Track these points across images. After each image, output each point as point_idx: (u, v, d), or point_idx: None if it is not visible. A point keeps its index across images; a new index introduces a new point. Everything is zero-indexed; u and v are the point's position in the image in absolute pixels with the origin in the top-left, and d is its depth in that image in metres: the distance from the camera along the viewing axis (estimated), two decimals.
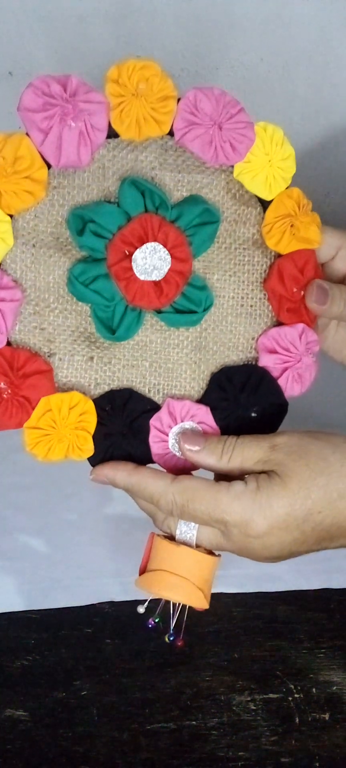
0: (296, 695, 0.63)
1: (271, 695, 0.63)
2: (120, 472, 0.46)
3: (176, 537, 0.46)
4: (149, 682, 0.63)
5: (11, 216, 0.44)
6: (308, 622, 0.68)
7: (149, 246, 0.44)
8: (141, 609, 0.47)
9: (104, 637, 0.67)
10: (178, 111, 0.44)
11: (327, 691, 0.63)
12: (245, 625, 0.67)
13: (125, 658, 0.65)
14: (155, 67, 0.43)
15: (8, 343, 0.45)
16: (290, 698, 0.63)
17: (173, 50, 0.62)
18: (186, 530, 0.46)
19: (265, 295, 0.48)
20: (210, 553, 0.47)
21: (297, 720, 0.61)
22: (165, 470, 0.48)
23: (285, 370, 0.48)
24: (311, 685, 0.63)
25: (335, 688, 0.63)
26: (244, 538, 0.43)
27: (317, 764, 0.59)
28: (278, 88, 0.63)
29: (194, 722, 0.61)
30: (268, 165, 0.45)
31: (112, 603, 0.69)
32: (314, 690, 0.63)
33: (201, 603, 0.46)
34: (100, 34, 0.60)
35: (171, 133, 0.44)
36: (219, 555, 0.47)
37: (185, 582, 0.45)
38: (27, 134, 0.43)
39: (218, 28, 0.60)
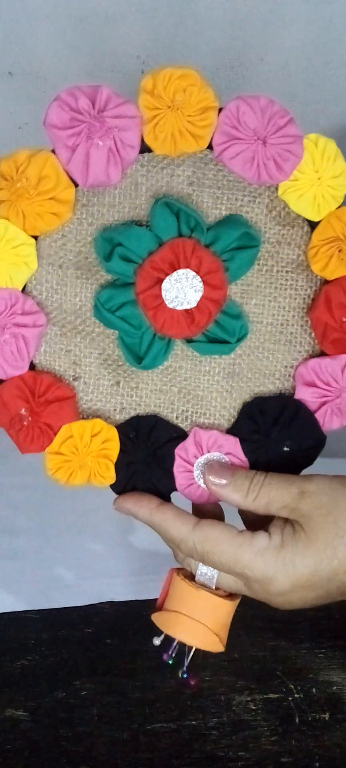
0: (296, 695, 0.63)
1: (271, 695, 0.63)
2: (143, 508, 0.45)
3: (196, 578, 0.45)
4: (149, 682, 0.63)
5: (36, 237, 0.42)
6: (308, 622, 0.68)
7: (181, 273, 0.41)
8: (157, 641, 0.46)
9: (104, 637, 0.67)
10: (218, 124, 0.40)
11: (327, 691, 0.63)
12: (245, 625, 0.67)
13: (125, 658, 0.65)
14: (194, 76, 0.39)
15: (33, 366, 0.44)
16: (290, 698, 0.63)
17: (172, 50, 0.62)
18: (206, 572, 0.45)
19: (307, 322, 0.44)
20: (230, 595, 0.46)
21: (297, 720, 0.61)
22: (189, 500, 0.46)
23: (324, 404, 0.44)
24: (311, 685, 0.63)
25: (335, 688, 0.63)
26: (265, 594, 0.42)
27: (317, 764, 0.59)
28: (278, 88, 0.63)
29: (194, 722, 0.61)
30: (317, 183, 0.41)
31: (112, 603, 0.69)
32: (314, 690, 0.63)
33: (216, 647, 0.45)
34: (100, 34, 0.60)
35: (211, 146, 0.41)
36: (239, 597, 0.46)
37: (202, 627, 0.45)
38: (53, 151, 0.40)
39: (218, 29, 0.60)
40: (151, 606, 0.48)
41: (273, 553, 0.41)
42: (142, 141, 0.40)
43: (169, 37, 0.60)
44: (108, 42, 0.60)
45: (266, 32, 0.59)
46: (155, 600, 0.48)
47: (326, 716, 0.62)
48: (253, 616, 0.68)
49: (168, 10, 0.58)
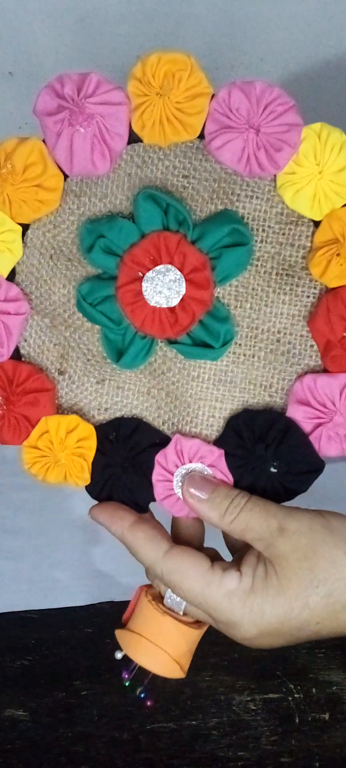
0: (296, 695, 0.63)
1: (271, 695, 0.63)
2: (115, 525, 0.42)
3: (164, 600, 0.43)
4: (149, 682, 0.63)
5: (28, 225, 0.41)
6: None
7: (162, 268, 0.38)
8: (118, 655, 0.45)
9: (104, 637, 0.67)
10: (210, 111, 0.37)
11: (327, 691, 0.63)
12: None
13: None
14: (185, 60, 0.37)
15: (19, 356, 0.42)
16: (290, 698, 0.63)
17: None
18: (175, 597, 0.42)
19: (308, 332, 0.40)
20: (197, 621, 0.43)
21: (297, 720, 0.61)
22: (168, 512, 0.43)
23: (318, 426, 0.39)
24: (311, 685, 0.63)
25: (335, 688, 0.63)
26: (231, 635, 0.40)
27: (317, 764, 0.59)
28: None
29: (194, 722, 0.61)
30: (317, 177, 0.37)
31: (112, 603, 0.69)
32: (314, 690, 0.63)
33: (176, 675, 0.44)
34: (100, 34, 0.60)
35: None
36: (206, 625, 0.44)
37: (163, 654, 0.43)
38: (44, 140, 0.39)
39: (218, 28, 0.60)
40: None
41: (241, 598, 0.38)
42: (133, 130, 0.38)
43: (169, 37, 0.60)
44: (108, 42, 0.60)
45: (266, 32, 0.59)
46: None
47: (326, 716, 0.62)
48: None
49: (168, 10, 0.58)
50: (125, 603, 0.70)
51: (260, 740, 0.60)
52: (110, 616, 0.68)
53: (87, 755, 0.59)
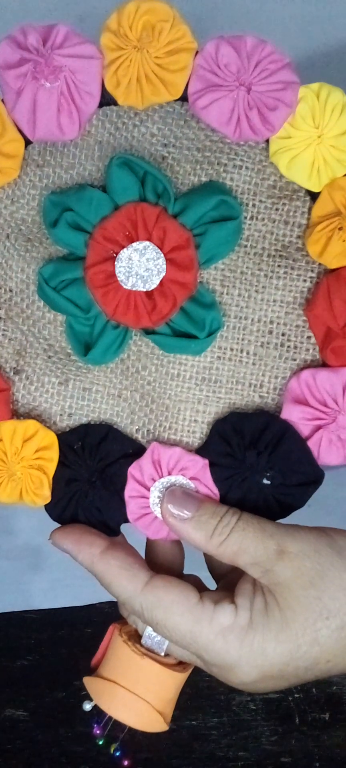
0: (296, 695, 0.63)
1: (271, 695, 0.63)
2: (82, 554, 0.36)
3: (142, 639, 0.37)
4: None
5: None
6: None
7: (139, 246, 0.33)
8: (87, 706, 0.39)
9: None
10: (194, 69, 0.33)
11: (327, 691, 0.63)
12: None
13: None
14: (166, 11, 0.32)
15: None
16: (290, 698, 0.63)
17: None
18: (155, 636, 0.36)
19: (305, 322, 0.35)
20: (180, 662, 0.37)
21: (297, 720, 0.61)
22: (143, 534, 0.37)
23: (318, 429, 0.34)
24: (311, 685, 0.64)
25: (335, 688, 0.63)
26: (226, 680, 0.34)
27: (317, 764, 0.59)
28: None
29: (194, 722, 0.61)
30: (316, 142, 0.32)
31: (112, 603, 0.69)
32: (314, 690, 0.63)
33: (159, 727, 0.37)
34: (100, 34, 0.60)
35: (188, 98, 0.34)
36: (192, 666, 0.38)
37: (142, 704, 0.36)
38: (2, 100, 0.34)
39: (218, 28, 0.60)
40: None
41: (238, 636, 0.32)
42: (106, 91, 0.33)
43: None
44: None
45: (266, 32, 0.59)
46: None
47: (326, 716, 0.62)
48: None
49: None
50: None
51: (260, 740, 0.60)
52: (110, 616, 0.68)
53: (87, 755, 0.59)
